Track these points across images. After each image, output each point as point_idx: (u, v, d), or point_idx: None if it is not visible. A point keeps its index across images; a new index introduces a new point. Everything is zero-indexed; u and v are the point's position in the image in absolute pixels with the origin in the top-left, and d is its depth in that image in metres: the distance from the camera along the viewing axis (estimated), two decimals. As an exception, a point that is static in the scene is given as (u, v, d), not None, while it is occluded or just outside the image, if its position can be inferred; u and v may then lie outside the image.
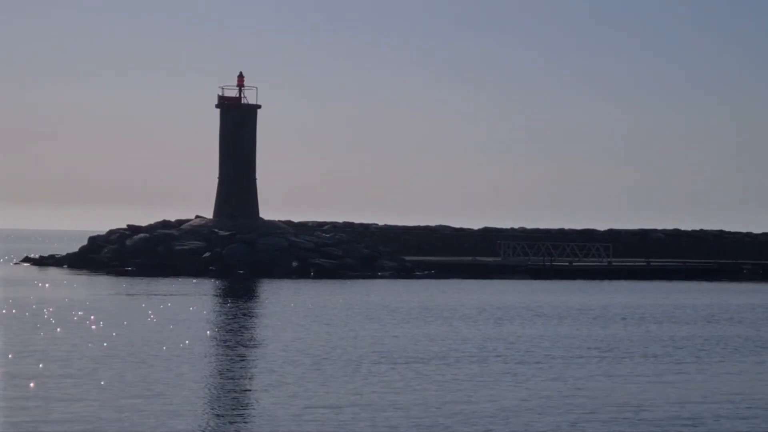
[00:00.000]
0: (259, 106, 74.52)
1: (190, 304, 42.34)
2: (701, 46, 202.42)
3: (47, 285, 53.62)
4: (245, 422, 17.78)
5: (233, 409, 18.97)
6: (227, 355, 26.45)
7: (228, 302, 44.85)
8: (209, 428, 17.19)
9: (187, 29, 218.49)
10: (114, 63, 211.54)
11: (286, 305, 42.55)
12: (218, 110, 74.22)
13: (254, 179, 74.23)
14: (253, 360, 25.63)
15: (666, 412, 19.26)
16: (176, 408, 18.61)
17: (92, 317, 35.26)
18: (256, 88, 74.29)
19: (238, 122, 73.80)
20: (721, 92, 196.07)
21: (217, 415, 18.40)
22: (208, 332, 31.78)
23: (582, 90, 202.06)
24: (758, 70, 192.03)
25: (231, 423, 17.68)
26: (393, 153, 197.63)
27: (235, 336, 30.93)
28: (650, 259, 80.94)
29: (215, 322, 35.18)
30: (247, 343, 29.29)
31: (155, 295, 47.54)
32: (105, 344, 27.63)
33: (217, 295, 48.87)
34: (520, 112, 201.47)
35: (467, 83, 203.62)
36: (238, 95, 74.12)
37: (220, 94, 74.14)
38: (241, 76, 74.14)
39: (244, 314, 38.58)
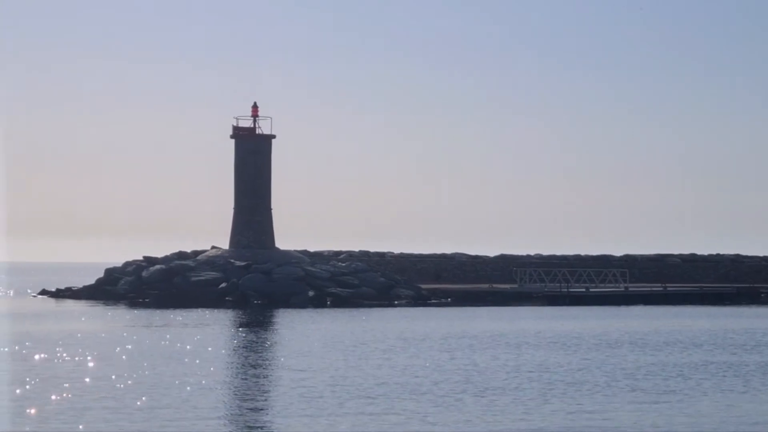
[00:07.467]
0: (273, 136, 74.83)
1: (198, 334, 42.42)
2: (717, 66, 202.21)
3: (63, 317, 53.81)
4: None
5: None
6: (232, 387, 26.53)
7: (241, 333, 44.91)
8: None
9: (201, 60, 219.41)
10: (128, 94, 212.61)
11: (301, 336, 42.62)
12: (233, 140, 74.59)
13: (269, 209, 74.47)
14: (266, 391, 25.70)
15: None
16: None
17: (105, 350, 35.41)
18: (271, 118, 74.75)
19: (252, 152, 74.08)
20: (738, 114, 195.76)
21: None
22: (210, 364, 31.86)
23: (597, 114, 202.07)
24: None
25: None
26: (407, 181, 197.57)
27: (245, 367, 31.01)
28: (667, 284, 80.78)
29: (221, 354, 35.27)
30: (259, 375, 29.36)
31: (170, 326, 47.68)
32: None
33: (231, 326, 48.93)
34: (535, 138, 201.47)
35: (481, 110, 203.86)
36: (252, 125, 74.49)
37: (235, 124, 74.55)
38: (255, 107, 74.52)
39: (258, 345, 38.62)
